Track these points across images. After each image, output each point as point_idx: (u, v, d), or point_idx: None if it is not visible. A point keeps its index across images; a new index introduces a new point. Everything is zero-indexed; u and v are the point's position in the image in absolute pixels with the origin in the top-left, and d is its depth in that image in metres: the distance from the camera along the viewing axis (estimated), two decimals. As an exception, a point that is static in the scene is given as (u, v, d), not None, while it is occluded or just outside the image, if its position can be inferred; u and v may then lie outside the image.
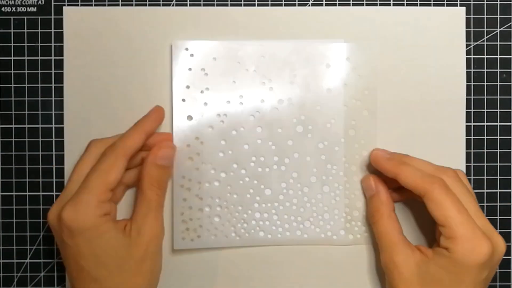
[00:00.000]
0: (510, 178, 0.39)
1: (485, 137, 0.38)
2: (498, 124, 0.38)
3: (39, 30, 0.38)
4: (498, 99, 0.38)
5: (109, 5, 0.38)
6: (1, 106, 0.38)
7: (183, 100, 0.38)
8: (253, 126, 0.38)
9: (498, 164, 0.39)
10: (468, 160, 0.38)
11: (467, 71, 0.38)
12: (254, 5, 0.38)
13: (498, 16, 0.38)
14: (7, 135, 0.38)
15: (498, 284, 0.39)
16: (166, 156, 0.35)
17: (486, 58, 0.38)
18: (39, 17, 0.38)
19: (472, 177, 0.38)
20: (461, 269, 0.31)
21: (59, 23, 0.38)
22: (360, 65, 0.38)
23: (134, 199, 0.37)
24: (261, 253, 0.38)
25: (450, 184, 0.33)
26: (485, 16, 0.38)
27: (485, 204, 0.38)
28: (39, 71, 0.38)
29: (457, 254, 0.31)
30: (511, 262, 0.39)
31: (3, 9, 0.38)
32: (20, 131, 0.38)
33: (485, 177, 0.39)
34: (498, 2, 0.38)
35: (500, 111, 0.38)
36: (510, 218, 0.39)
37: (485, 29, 0.38)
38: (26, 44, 0.38)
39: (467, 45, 0.38)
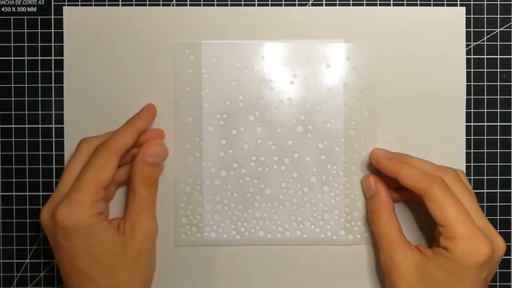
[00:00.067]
0: (510, 178, 0.39)
1: (485, 137, 0.38)
2: (498, 124, 0.38)
3: (39, 30, 0.38)
4: (498, 99, 0.38)
5: (109, 5, 0.38)
6: (1, 106, 0.38)
7: (184, 100, 0.38)
8: (253, 126, 0.38)
9: (498, 164, 0.39)
10: (468, 160, 0.38)
11: (467, 71, 0.38)
12: (254, 5, 0.38)
13: (498, 16, 0.38)
14: (7, 135, 0.38)
15: (498, 284, 0.39)
16: (156, 154, 0.35)
17: (486, 58, 0.38)
18: (39, 17, 0.38)
19: (472, 177, 0.38)
20: (461, 269, 0.31)
21: (59, 23, 0.38)
22: (360, 65, 0.38)
23: (125, 198, 0.37)
24: (261, 252, 0.38)
25: (450, 184, 0.33)
26: (485, 16, 0.38)
27: (485, 204, 0.38)
28: (39, 71, 0.38)
29: (457, 254, 0.31)
30: (511, 262, 0.39)
31: (3, 9, 0.38)
32: (20, 131, 0.38)
33: (485, 177, 0.39)
34: (498, 2, 0.38)
35: (500, 111, 0.38)
36: (510, 218, 0.39)
37: (485, 29, 0.38)
38: (26, 44, 0.38)
39: (467, 45, 0.38)
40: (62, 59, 0.38)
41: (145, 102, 0.38)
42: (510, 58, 0.38)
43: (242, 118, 0.38)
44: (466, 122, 0.38)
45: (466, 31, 0.38)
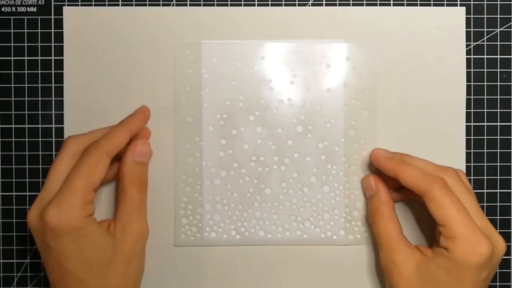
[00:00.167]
0: (510, 178, 0.39)
1: (485, 137, 0.38)
2: (498, 124, 0.38)
3: (39, 30, 0.38)
4: (498, 99, 0.38)
5: (109, 5, 0.38)
6: (1, 106, 0.38)
7: (184, 100, 0.38)
8: (253, 126, 0.38)
9: (498, 164, 0.38)
10: (468, 160, 0.38)
11: (467, 71, 0.38)
12: (254, 5, 0.38)
13: (498, 16, 0.38)
14: (7, 135, 0.38)
15: (498, 284, 0.39)
16: (144, 153, 0.35)
17: (486, 58, 0.38)
18: (39, 17, 0.38)
19: (472, 177, 0.38)
20: (461, 269, 0.31)
21: (59, 23, 0.38)
22: (360, 65, 0.38)
23: (115, 199, 0.37)
24: (261, 252, 0.38)
25: (451, 183, 0.33)
26: (485, 16, 0.38)
27: (485, 204, 0.38)
28: (39, 71, 0.38)
29: (457, 254, 0.31)
30: (511, 262, 0.39)
31: (3, 9, 0.38)
32: (20, 131, 0.38)
33: (485, 177, 0.39)
34: (498, 2, 0.38)
35: (500, 111, 0.38)
36: (510, 218, 0.39)
37: (485, 29, 0.38)
38: (26, 44, 0.38)
39: (467, 45, 0.38)
40: (62, 59, 0.38)
41: (145, 102, 0.38)
42: (510, 58, 0.38)
43: (242, 118, 0.38)
44: (466, 122, 0.38)
45: (466, 31, 0.38)
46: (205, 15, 0.38)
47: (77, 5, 0.38)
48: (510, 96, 0.38)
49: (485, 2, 0.38)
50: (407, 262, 0.33)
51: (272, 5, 0.38)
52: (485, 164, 0.38)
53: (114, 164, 0.36)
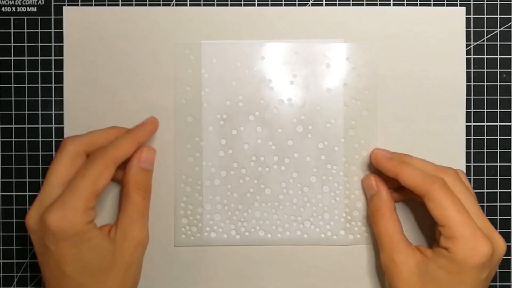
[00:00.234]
0: (510, 178, 0.39)
1: (485, 137, 0.38)
2: (498, 124, 0.38)
3: (39, 30, 0.38)
4: (498, 99, 0.38)
5: (109, 5, 0.38)
6: (1, 106, 0.38)
7: (184, 100, 0.38)
8: (253, 126, 0.38)
9: (498, 164, 0.38)
10: (468, 160, 0.38)
11: (467, 71, 0.38)
12: (254, 5, 0.38)
13: (498, 16, 0.38)
14: (7, 135, 0.38)
15: (498, 284, 0.39)
16: (149, 159, 0.35)
17: (486, 58, 0.38)
18: (39, 17, 0.38)
19: (472, 177, 0.38)
20: (461, 269, 0.31)
21: (59, 23, 0.38)
22: (360, 65, 0.38)
23: (118, 204, 0.37)
24: (261, 252, 0.38)
25: (451, 184, 0.33)
26: (485, 16, 0.38)
27: (485, 204, 0.38)
28: (39, 71, 0.38)
29: (457, 254, 0.31)
30: (511, 262, 0.39)
31: (3, 9, 0.38)
32: (20, 131, 0.38)
33: (485, 177, 0.38)
34: (498, 2, 0.38)
35: (500, 111, 0.38)
36: (510, 218, 0.39)
37: (485, 29, 0.38)
38: (26, 44, 0.38)
39: (467, 45, 0.38)
40: (62, 59, 0.38)
41: (145, 102, 0.38)
42: (510, 58, 0.38)
43: (242, 118, 0.38)
44: (466, 122, 0.38)
45: (466, 31, 0.38)
46: (205, 15, 0.38)
47: (77, 5, 0.38)
48: (510, 96, 0.38)
49: (485, 2, 0.38)
50: (407, 262, 0.33)
51: (272, 5, 0.38)
52: (485, 164, 0.38)
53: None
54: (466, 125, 0.38)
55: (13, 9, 0.38)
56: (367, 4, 0.38)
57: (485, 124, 0.38)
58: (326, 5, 0.38)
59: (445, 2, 0.38)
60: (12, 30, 0.38)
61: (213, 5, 0.38)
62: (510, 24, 0.38)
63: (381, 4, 0.38)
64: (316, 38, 0.38)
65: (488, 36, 0.38)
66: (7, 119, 0.38)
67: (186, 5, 0.38)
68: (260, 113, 0.38)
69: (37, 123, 0.38)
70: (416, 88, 0.38)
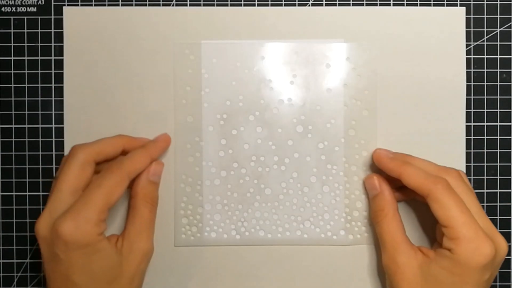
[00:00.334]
0: (510, 178, 0.38)
1: (485, 137, 0.38)
2: (498, 124, 0.38)
3: (39, 30, 0.38)
4: (498, 99, 0.38)
5: (109, 5, 0.38)
6: (1, 106, 0.38)
7: (184, 100, 0.38)
8: (253, 126, 0.38)
9: (498, 164, 0.38)
10: (468, 160, 0.38)
11: (467, 71, 0.38)
12: (254, 5, 0.38)
13: (498, 16, 0.38)
14: (7, 135, 0.38)
15: (498, 284, 0.39)
16: (157, 172, 0.36)
17: (486, 58, 0.38)
18: (39, 17, 0.38)
19: (472, 177, 0.38)
20: (464, 270, 0.31)
21: (59, 23, 0.38)
22: (360, 65, 0.38)
23: (126, 216, 0.36)
24: (261, 252, 0.38)
25: (453, 184, 0.33)
26: (485, 16, 0.38)
27: (485, 204, 0.38)
28: (39, 71, 0.38)
29: (460, 255, 0.31)
30: (511, 262, 0.39)
31: (3, 9, 0.38)
32: (20, 131, 0.38)
33: (485, 177, 0.38)
34: (498, 2, 0.38)
35: (500, 111, 0.38)
36: (510, 218, 0.39)
37: (485, 29, 0.38)
38: (26, 44, 0.38)
39: (467, 45, 0.38)
40: (62, 59, 0.38)
41: (145, 102, 0.37)
42: (510, 58, 0.38)
43: (242, 118, 0.38)
44: (466, 122, 0.38)
45: (466, 31, 0.38)
46: (205, 15, 0.38)
47: (77, 5, 0.38)
48: (510, 96, 0.38)
49: (485, 2, 0.38)
50: (410, 263, 0.33)
51: (272, 5, 0.38)
52: (485, 164, 0.38)
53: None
54: (466, 125, 0.38)
55: (13, 9, 0.38)
56: (367, 4, 0.38)
57: (485, 124, 0.38)
58: (326, 5, 0.38)
59: (445, 2, 0.38)
60: (12, 30, 0.38)
61: (213, 5, 0.38)
62: (510, 24, 0.38)
63: (381, 4, 0.38)
64: (316, 38, 0.38)
65: (488, 36, 0.38)
66: (7, 119, 0.38)
67: (186, 5, 0.38)
68: (260, 113, 0.38)
69: (37, 123, 0.38)
70: (416, 88, 0.38)
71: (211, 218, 0.37)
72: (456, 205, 0.32)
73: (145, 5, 0.38)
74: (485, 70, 0.38)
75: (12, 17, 0.38)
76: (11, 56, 0.38)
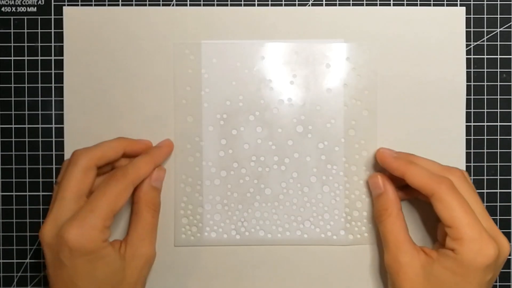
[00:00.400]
0: (510, 178, 0.38)
1: (485, 137, 0.38)
2: (498, 124, 0.38)
3: (39, 30, 0.38)
4: (498, 99, 0.38)
5: (109, 5, 0.38)
6: (1, 106, 0.38)
7: (184, 100, 0.38)
8: (253, 126, 0.38)
9: (498, 164, 0.38)
10: (468, 160, 0.38)
11: (467, 71, 0.38)
12: (254, 5, 0.38)
13: (498, 16, 0.38)
14: (7, 135, 0.38)
15: (498, 284, 0.39)
16: (159, 178, 0.36)
17: (486, 58, 0.38)
18: (39, 17, 0.38)
19: (472, 177, 0.38)
20: (467, 270, 0.31)
21: (59, 23, 0.38)
22: (360, 65, 0.38)
23: (129, 222, 0.36)
24: (261, 252, 0.38)
25: (457, 184, 0.32)
26: (485, 16, 0.38)
27: (485, 204, 0.38)
28: (39, 71, 0.38)
29: (463, 255, 0.31)
30: (511, 262, 0.39)
31: (3, 9, 0.38)
32: (20, 131, 0.38)
33: (485, 177, 0.38)
34: (498, 2, 0.38)
35: (500, 111, 0.38)
36: (510, 218, 0.39)
37: (485, 29, 0.38)
38: (26, 44, 0.38)
39: (467, 45, 0.38)
40: (62, 59, 0.38)
41: (145, 101, 0.37)
42: (510, 58, 0.38)
43: (242, 118, 0.38)
44: (466, 122, 0.38)
45: (466, 31, 0.38)
46: (205, 15, 0.38)
47: (77, 5, 0.38)
48: (510, 96, 0.38)
49: (485, 2, 0.38)
50: (412, 262, 0.32)
51: (272, 5, 0.38)
52: (485, 164, 0.38)
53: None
54: (466, 125, 0.38)
55: (13, 9, 0.38)
56: (367, 4, 0.38)
57: (485, 124, 0.38)
58: (326, 5, 0.38)
59: (445, 2, 0.38)
60: (12, 30, 0.38)
61: (213, 5, 0.38)
62: (510, 24, 0.38)
63: (381, 4, 0.38)
64: (316, 38, 0.38)
65: (488, 36, 0.38)
66: (7, 119, 0.38)
67: (186, 5, 0.38)
68: (260, 113, 0.38)
69: (37, 123, 0.38)
70: (416, 88, 0.38)
71: (211, 218, 0.37)
72: (460, 205, 0.31)
73: (145, 5, 0.38)
74: (485, 70, 0.38)
75: (12, 17, 0.38)
76: (11, 56, 0.38)
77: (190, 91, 0.37)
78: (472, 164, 0.38)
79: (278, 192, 0.37)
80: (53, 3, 0.38)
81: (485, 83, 0.38)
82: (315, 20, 0.37)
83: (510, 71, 0.38)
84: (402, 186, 0.36)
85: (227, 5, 0.37)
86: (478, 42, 0.38)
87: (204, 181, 0.37)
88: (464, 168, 0.37)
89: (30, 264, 0.38)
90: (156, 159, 0.35)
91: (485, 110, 0.38)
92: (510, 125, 0.38)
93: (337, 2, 0.38)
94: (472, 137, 0.38)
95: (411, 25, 0.37)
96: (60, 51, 0.37)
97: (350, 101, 0.37)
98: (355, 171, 0.37)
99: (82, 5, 0.37)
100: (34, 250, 0.38)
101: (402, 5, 0.37)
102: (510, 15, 0.38)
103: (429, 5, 0.37)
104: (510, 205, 0.38)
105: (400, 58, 0.37)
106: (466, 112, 0.38)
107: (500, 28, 0.38)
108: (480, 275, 0.31)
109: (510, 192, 0.38)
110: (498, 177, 0.38)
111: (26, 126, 0.38)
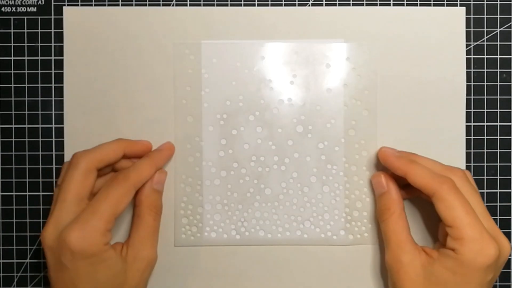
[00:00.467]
0: (510, 178, 0.38)
1: (485, 137, 0.38)
2: (498, 124, 0.38)
3: (39, 30, 0.38)
4: (498, 99, 0.38)
5: (109, 5, 0.38)
6: (1, 106, 0.38)
7: (184, 100, 0.38)
8: (253, 126, 0.38)
9: (498, 164, 0.38)
10: (468, 160, 0.38)
11: (467, 71, 0.38)
12: (254, 5, 0.38)
13: (498, 16, 0.38)
14: (7, 135, 0.38)
15: (498, 284, 0.39)
16: (161, 181, 0.36)
17: (486, 58, 0.38)
18: (39, 17, 0.38)
19: (472, 177, 0.38)
20: (468, 270, 0.31)
21: (59, 23, 0.38)
22: (360, 65, 0.37)
23: (131, 224, 0.36)
24: (261, 252, 0.38)
25: (459, 184, 0.32)
26: (485, 16, 0.38)
27: (485, 204, 0.38)
28: (39, 71, 0.38)
29: (464, 255, 0.31)
30: (511, 262, 0.39)
31: (3, 9, 0.38)
32: (20, 131, 0.38)
33: (485, 177, 0.38)
34: (498, 2, 0.38)
35: (500, 111, 0.38)
36: (510, 218, 0.39)
37: (485, 29, 0.38)
38: (26, 44, 0.38)
39: (467, 45, 0.38)
40: (62, 59, 0.38)
41: (145, 101, 0.37)
42: (510, 58, 0.38)
43: (242, 118, 0.38)
44: (466, 122, 0.38)
45: (466, 31, 0.38)
46: (205, 15, 0.37)
47: (77, 5, 0.38)
48: (510, 96, 0.38)
49: (485, 2, 0.38)
50: (413, 262, 0.32)
51: (272, 5, 0.38)
52: (485, 164, 0.38)
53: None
54: (466, 125, 0.38)
55: (13, 9, 0.38)
56: (367, 4, 0.38)
57: (485, 124, 0.38)
58: (326, 5, 0.38)
59: (445, 2, 0.38)
60: (12, 30, 0.38)
61: (213, 5, 0.38)
62: (510, 24, 0.38)
63: (381, 4, 0.38)
64: (316, 38, 0.37)
65: (488, 36, 0.38)
66: (7, 119, 0.38)
67: (186, 5, 0.38)
68: (260, 113, 0.38)
69: (37, 123, 0.38)
70: (416, 88, 0.37)
71: (211, 218, 0.37)
72: (462, 205, 0.31)
73: (145, 5, 0.38)
74: (485, 70, 0.38)
75: (12, 17, 0.38)
76: (11, 56, 0.38)
77: (190, 91, 0.37)
78: (472, 164, 0.38)
79: (278, 192, 0.37)
80: (53, 3, 0.38)
81: (485, 83, 0.38)
82: (315, 20, 0.37)
83: (510, 71, 0.38)
84: (404, 185, 0.35)
85: (227, 5, 0.37)
86: (478, 42, 0.38)
87: (204, 181, 0.37)
88: (464, 168, 0.37)
89: (30, 264, 0.38)
90: (157, 162, 0.35)
91: (485, 110, 0.38)
92: (510, 125, 0.38)
93: (337, 2, 0.37)
94: (472, 137, 0.38)
95: (411, 25, 0.37)
96: (60, 51, 0.37)
97: (350, 101, 0.37)
98: (355, 171, 0.37)
99: (82, 5, 0.37)
100: (34, 250, 0.38)
101: (402, 5, 0.37)
102: (510, 15, 0.38)
103: (429, 5, 0.37)
104: (510, 205, 0.38)
105: (400, 58, 0.37)
106: (466, 112, 0.37)
107: (500, 28, 0.38)
108: (481, 275, 0.31)
109: (510, 192, 0.38)
110: (498, 177, 0.38)
111: (26, 126, 0.38)
